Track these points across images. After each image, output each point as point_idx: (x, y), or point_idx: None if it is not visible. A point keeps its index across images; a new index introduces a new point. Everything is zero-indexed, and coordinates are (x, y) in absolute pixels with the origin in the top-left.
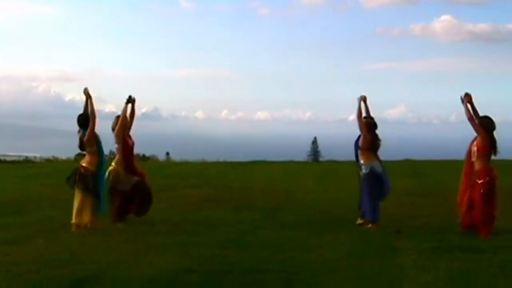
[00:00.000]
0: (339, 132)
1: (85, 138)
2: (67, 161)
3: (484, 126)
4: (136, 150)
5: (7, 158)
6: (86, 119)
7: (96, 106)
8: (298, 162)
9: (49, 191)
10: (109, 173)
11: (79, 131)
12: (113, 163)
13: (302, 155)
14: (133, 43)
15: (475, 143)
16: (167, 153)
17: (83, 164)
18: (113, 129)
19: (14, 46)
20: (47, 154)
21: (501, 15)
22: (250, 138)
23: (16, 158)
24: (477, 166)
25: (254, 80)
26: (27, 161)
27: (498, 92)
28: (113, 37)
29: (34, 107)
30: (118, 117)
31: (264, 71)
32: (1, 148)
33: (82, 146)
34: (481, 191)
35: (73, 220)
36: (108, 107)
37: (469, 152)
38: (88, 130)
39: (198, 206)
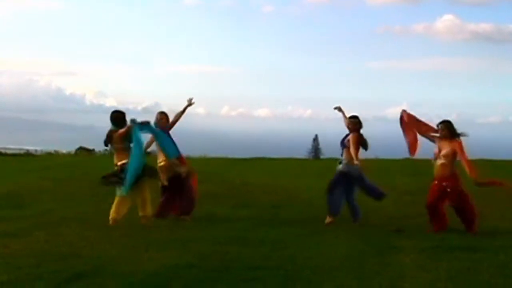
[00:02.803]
0: (340, 130)
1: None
2: (67, 155)
3: (452, 131)
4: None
5: (8, 151)
6: (119, 116)
7: (97, 100)
8: (299, 159)
9: (49, 185)
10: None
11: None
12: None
13: (303, 152)
14: (135, 38)
15: (447, 148)
16: None
17: (119, 163)
18: (155, 125)
19: (15, 40)
20: (48, 147)
21: (503, 15)
22: (251, 135)
23: (17, 151)
24: (447, 171)
25: (255, 77)
26: (27, 154)
27: (499, 92)
28: (115, 32)
29: (35, 100)
30: (160, 113)
31: (265, 68)
32: (2, 141)
33: (110, 141)
34: (459, 195)
35: (111, 215)
36: (109, 101)
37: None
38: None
39: (199, 202)
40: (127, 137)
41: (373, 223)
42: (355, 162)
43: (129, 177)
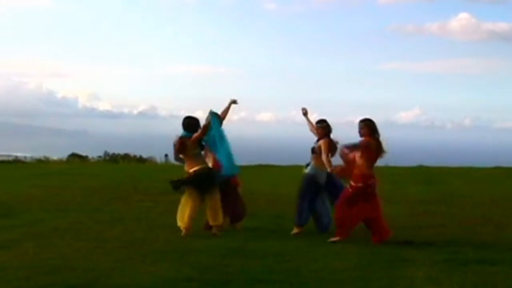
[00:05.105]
0: (347, 135)
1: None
2: (59, 161)
3: (371, 129)
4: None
5: None
6: (192, 123)
7: (91, 104)
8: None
9: (40, 193)
10: None
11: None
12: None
13: (309, 159)
14: (131, 38)
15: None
16: (166, 155)
17: (191, 170)
18: None
19: (2, 39)
20: (38, 154)
21: None
22: (253, 140)
23: (6, 158)
24: (358, 170)
25: (258, 79)
26: (17, 161)
27: None
28: (109, 32)
29: (25, 104)
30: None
31: (268, 69)
32: None
33: (184, 149)
34: (348, 194)
35: (180, 223)
36: (102, 104)
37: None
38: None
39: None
40: (199, 142)
41: None
42: (329, 169)
43: (227, 161)
